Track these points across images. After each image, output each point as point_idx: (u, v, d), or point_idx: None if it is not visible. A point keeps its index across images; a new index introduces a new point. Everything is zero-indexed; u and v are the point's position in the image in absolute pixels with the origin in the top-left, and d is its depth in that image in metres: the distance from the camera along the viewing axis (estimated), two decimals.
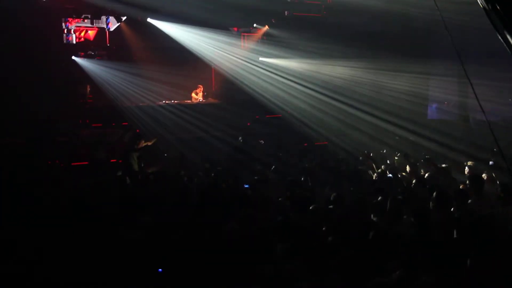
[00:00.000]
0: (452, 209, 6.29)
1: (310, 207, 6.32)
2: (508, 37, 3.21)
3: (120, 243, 5.37)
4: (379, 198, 6.90)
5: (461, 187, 7.75)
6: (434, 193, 6.33)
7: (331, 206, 6.64)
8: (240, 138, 13.65)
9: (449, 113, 18.32)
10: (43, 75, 13.27)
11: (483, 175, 8.03)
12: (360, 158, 11.14)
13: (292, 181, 8.18)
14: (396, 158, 11.04)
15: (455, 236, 5.46)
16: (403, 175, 9.19)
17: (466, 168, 9.31)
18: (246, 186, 8.54)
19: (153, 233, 5.69)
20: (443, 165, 9.43)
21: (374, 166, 10.10)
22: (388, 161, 10.98)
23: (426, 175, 8.61)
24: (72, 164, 12.01)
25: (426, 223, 5.55)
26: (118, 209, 6.52)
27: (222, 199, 7.27)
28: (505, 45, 3.29)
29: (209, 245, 5.37)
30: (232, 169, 10.21)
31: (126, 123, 14.82)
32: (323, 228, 5.78)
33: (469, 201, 6.65)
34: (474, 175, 7.58)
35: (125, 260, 5.05)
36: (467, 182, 7.50)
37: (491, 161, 9.51)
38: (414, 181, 8.41)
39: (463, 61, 4.35)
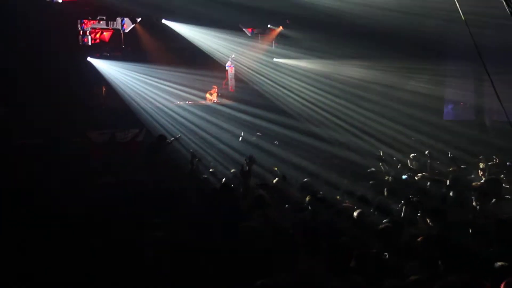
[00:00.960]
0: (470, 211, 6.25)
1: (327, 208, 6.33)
2: None
3: (136, 244, 5.40)
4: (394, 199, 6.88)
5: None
6: (451, 195, 6.30)
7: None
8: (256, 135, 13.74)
9: (465, 113, 18.18)
10: (59, 76, 13.38)
11: (502, 176, 7.97)
12: (377, 158, 11.08)
13: (308, 182, 8.18)
14: (411, 159, 10.96)
15: (471, 238, 5.42)
16: (418, 176, 9.12)
17: (480, 170, 9.25)
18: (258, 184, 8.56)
19: (168, 233, 5.70)
20: (462, 166, 9.37)
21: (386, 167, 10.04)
22: (405, 162, 10.89)
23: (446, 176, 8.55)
24: (88, 164, 12.10)
25: (443, 224, 5.52)
26: (136, 210, 6.56)
27: (237, 199, 7.28)
28: None
29: (224, 245, 5.37)
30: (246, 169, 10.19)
31: (140, 125, 14.93)
32: (340, 229, 5.77)
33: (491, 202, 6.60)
34: (493, 178, 7.51)
35: (140, 261, 5.08)
36: (484, 184, 7.43)
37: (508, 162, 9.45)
38: (429, 182, 8.37)
39: (481, 59, 4.30)
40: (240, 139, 13.98)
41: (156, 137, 12.36)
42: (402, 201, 6.54)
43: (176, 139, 12.12)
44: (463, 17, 4.21)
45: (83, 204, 6.94)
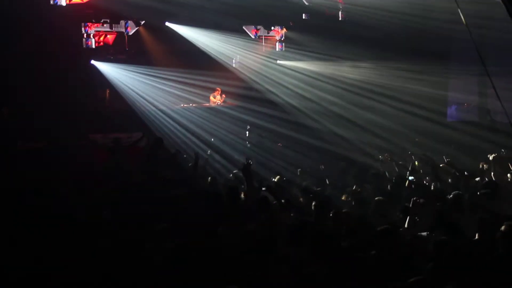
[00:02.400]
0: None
1: (330, 210, 6.32)
2: None
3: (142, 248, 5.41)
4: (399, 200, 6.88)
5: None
6: (456, 196, 6.31)
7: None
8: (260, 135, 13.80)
9: (469, 114, 18.13)
10: (63, 79, 13.42)
11: (508, 175, 8.03)
12: (380, 158, 11.05)
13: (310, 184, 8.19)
14: (416, 160, 10.93)
15: (477, 238, 5.41)
16: (424, 177, 9.11)
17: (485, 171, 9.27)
18: (263, 189, 8.56)
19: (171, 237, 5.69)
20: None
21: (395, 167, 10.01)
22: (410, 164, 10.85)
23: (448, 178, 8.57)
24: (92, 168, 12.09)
25: (448, 226, 5.51)
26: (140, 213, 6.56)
27: (241, 202, 7.29)
28: None
29: (225, 248, 5.37)
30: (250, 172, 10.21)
31: (144, 127, 14.96)
32: (342, 232, 5.76)
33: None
34: (491, 181, 7.58)
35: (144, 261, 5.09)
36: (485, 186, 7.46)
37: None
38: (433, 184, 8.38)
39: (483, 60, 4.32)
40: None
41: (153, 141, 12.36)
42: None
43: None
44: (463, 20, 4.21)
45: (89, 208, 6.95)
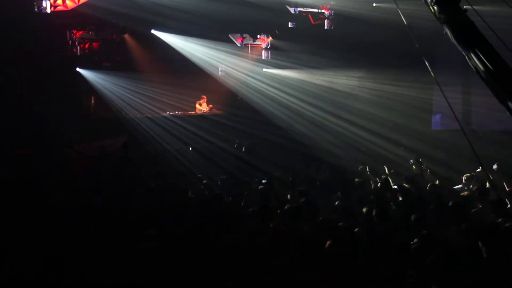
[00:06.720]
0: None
1: (318, 217, 6.33)
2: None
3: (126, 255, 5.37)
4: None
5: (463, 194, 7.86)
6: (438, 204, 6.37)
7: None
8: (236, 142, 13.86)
9: (454, 123, 18.26)
10: (48, 86, 13.31)
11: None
12: (361, 167, 11.09)
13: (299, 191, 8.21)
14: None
15: (462, 246, 5.45)
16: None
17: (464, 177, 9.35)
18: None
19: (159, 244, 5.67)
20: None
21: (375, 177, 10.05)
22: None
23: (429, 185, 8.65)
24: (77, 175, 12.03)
25: (429, 233, 5.54)
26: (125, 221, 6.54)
27: (227, 211, 7.28)
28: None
29: (211, 257, 5.35)
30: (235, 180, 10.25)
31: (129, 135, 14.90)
32: (329, 239, 5.76)
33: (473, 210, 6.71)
34: (482, 186, 7.65)
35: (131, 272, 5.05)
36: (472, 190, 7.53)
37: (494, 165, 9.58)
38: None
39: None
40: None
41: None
42: None
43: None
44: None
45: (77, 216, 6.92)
